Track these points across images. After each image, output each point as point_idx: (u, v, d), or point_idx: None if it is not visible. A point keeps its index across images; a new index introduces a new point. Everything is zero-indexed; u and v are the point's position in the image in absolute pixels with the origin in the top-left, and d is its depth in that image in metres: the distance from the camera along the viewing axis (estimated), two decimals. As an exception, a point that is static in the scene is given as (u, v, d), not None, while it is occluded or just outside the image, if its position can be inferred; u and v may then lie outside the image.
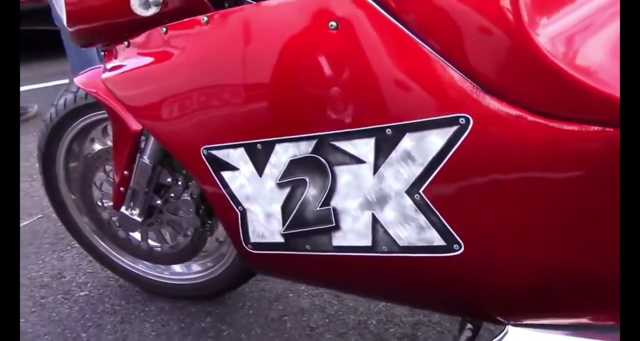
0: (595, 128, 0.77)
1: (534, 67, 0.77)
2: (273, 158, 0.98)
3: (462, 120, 0.83)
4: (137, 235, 1.48)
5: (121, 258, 1.59)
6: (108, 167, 1.45)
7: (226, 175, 1.04)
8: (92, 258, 1.66)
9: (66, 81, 3.18)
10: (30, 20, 4.00)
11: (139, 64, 1.08)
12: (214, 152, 1.04)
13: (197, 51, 1.00)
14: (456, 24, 0.80)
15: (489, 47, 0.79)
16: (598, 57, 0.79)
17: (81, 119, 1.41)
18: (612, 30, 0.81)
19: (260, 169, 1.00)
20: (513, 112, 0.81)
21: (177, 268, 1.57)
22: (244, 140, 1.00)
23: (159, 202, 1.37)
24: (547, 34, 0.77)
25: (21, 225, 2.04)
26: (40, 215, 2.11)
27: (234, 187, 1.05)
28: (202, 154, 1.05)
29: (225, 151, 1.02)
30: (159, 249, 1.49)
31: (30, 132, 3.01)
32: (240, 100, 0.97)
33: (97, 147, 1.49)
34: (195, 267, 1.55)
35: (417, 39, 0.83)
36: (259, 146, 0.99)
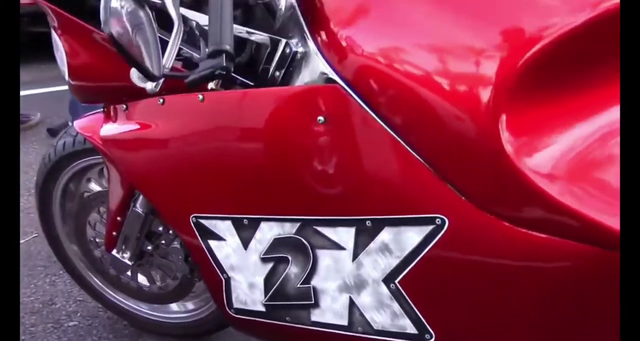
0: (570, 243, 0.81)
1: (507, 181, 0.80)
2: (258, 234, 1.02)
3: (438, 221, 0.87)
4: (127, 274, 1.52)
5: (113, 294, 1.63)
6: (102, 209, 1.49)
7: (213, 243, 1.08)
8: (84, 291, 1.70)
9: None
10: (32, 22, 4.02)
11: (134, 128, 1.11)
12: (202, 221, 1.07)
13: (191, 126, 1.03)
14: (437, 131, 0.83)
15: (466, 157, 0.82)
16: (578, 177, 0.81)
17: (78, 162, 1.45)
18: (594, 151, 0.83)
19: (245, 243, 1.04)
20: (489, 218, 0.84)
21: (172, 306, 1.61)
22: (232, 213, 1.03)
23: (149, 247, 1.41)
24: (525, 150, 0.80)
25: (16, 244, 2.07)
26: (36, 234, 2.14)
27: (219, 255, 1.08)
28: (191, 221, 1.09)
29: (213, 222, 1.06)
30: (148, 289, 1.53)
31: (31, 140, 3.04)
32: (230, 177, 1.01)
33: (93, 186, 1.53)
34: (190, 305, 1.59)
35: (399, 140, 0.86)
36: (245, 221, 1.02)
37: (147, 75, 0.83)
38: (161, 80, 0.90)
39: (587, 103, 0.84)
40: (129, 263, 1.42)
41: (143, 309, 1.62)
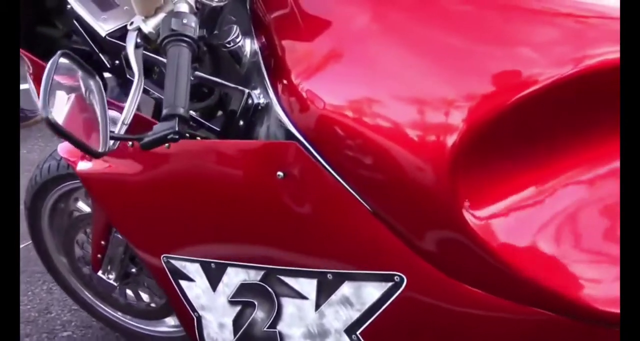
0: (529, 308, 0.81)
1: (465, 247, 0.80)
2: (225, 278, 1.03)
3: (396, 278, 0.87)
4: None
5: (104, 307, 1.66)
6: (89, 230, 1.51)
7: (184, 283, 1.09)
8: (78, 305, 1.73)
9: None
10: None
11: (106, 167, 1.12)
12: (173, 262, 1.08)
13: (158, 171, 1.04)
14: (391, 190, 0.83)
15: (424, 219, 0.82)
16: (538, 245, 0.80)
17: (63, 185, 1.47)
18: (554, 216, 0.82)
19: (214, 285, 1.05)
20: (447, 279, 0.84)
21: (166, 320, 1.63)
22: (200, 257, 1.04)
23: (134, 269, 1.43)
24: (484, 217, 0.79)
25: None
26: (35, 239, 2.18)
27: (190, 295, 1.10)
28: (162, 260, 1.10)
29: (183, 263, 1.07)
30: (137, 305, 1.56)
31: (37, 137, 3.06)
32: (196, 223, 1.02)
33: (81, 205, 1.54)
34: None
35: (357, 196, 0.86)
36: (213, 265, 1.03)
37: (90, 153, 0.83)
38: (109, 147, 0.89)
39: (553, 169, 0.83)
40: (115, 284, 1.45)
41: (135, 322, 1.65)
